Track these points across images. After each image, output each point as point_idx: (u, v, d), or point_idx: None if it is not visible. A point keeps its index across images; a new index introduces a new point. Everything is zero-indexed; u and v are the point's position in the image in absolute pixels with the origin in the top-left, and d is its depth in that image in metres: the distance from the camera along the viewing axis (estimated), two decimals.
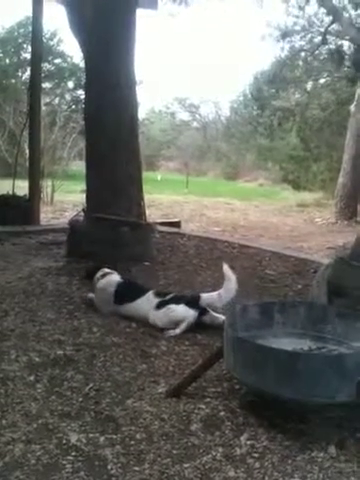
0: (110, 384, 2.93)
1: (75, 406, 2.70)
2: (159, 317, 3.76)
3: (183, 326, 3.69)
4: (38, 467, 2.21)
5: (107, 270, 4.25)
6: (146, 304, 3.88)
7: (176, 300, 3.83)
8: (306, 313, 3.05)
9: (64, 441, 2.39)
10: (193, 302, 3.78)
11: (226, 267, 3.75)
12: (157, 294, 3.95)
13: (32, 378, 2.97)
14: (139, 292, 4.00)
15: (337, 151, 17.02)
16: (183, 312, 3.73)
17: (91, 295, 4.29)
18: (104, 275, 4.19)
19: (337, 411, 2.55)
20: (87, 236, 5.60)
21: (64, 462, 2.24)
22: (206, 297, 3.80)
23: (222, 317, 3.61)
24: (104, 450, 2.33)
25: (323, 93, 19.58)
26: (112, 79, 5.73)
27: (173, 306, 3.77)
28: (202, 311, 3.77)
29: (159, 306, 3.81)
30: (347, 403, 2.42)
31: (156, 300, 3.87)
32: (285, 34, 16.78)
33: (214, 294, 3.81)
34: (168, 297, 3.89)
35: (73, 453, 2.31)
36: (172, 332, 3.66)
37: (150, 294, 3.95)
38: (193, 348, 3.46)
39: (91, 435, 2.44)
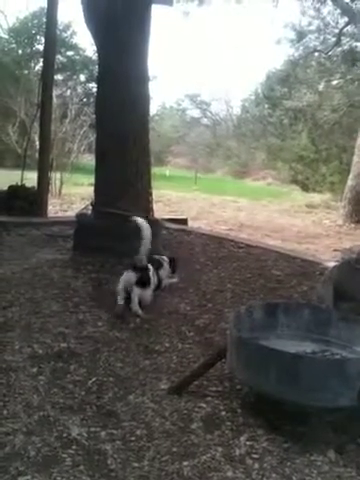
0: (112, 379, 2.95)
1: (77, 399, 2.71)
2: None
3: None
4: (38, 459, 2.22)
5: None
6: None
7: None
8: (310, 315, 3.05)
9: (65, 434, 2.40)
10: None
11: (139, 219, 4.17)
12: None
13: (35, 370, 2.98)
14: None
15: (347, 153, 16.99)
16: None
17: None
18: None
19: (338, 415, 2.54)
20: (94, 230, 5.60)
21: (64, 455, 2.25)
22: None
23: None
24: (104, 445, 2.35)
25: (335, 94, 19.50)
26: (125, 74, 5.72)
27: None
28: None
29: None
30: (348, 407, 2.41)
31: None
32: (300, 35, 16.74)
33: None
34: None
35: (73, 446, 2.32)
36: None
37: None
38: (196, 346, 3.46)
39: (92, 429, 2.45)
